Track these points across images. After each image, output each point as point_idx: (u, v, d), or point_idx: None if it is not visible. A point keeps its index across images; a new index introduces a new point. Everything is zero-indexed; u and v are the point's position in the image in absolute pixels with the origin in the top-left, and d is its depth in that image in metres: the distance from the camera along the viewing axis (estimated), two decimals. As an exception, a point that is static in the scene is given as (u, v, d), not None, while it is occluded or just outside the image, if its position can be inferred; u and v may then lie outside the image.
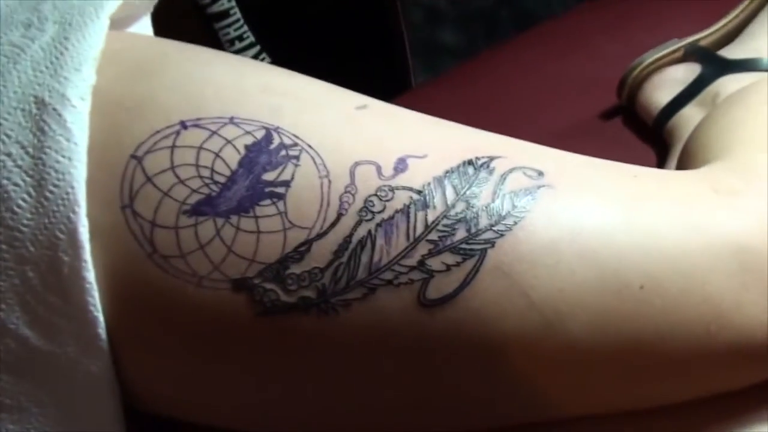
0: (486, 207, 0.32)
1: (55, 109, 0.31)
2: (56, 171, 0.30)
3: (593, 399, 0.33)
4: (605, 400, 0.34)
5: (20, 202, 0.30)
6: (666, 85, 0.66)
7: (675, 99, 0.64)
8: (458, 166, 0.33)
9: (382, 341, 0.31)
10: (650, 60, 0.68)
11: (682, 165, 0.47)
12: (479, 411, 0.33)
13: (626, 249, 0.32)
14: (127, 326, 0.31)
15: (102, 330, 0.31)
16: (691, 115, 0.61)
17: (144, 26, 0.42)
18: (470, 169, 0.33)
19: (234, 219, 0.31)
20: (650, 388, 0.33)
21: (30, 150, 0.30)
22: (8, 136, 0.30)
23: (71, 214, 0.30)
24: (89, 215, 0.30)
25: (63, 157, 0.30)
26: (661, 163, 0.65)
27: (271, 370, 0.32)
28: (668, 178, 0.36)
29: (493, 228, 0.31)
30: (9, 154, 0.30)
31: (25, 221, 0.30)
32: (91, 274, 0.30)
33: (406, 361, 0.31)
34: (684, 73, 0.66)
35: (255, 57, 1.13)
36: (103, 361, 0.31)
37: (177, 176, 0.31)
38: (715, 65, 0.63)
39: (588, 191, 0.33)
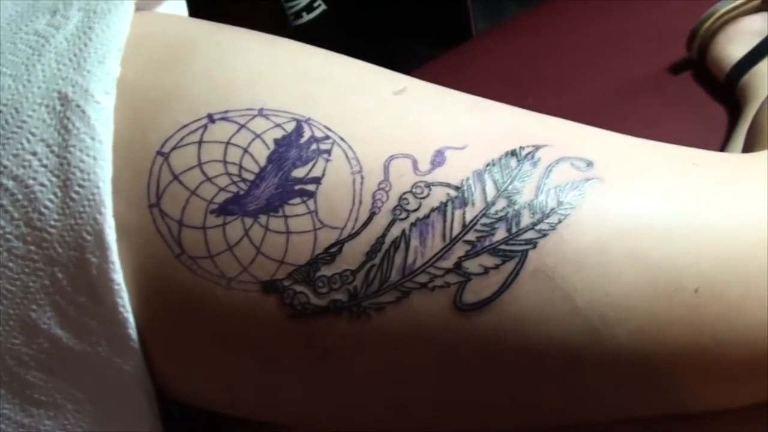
0: (529, 204, 0.30)
1: (78, 106, 0.30)
2: (81, 171, 0.29)
3: (637, 405, 0.32)
4: (649, 406, 0.32)
5: (47, 202, 0.29)
6: (741, 37, 0.62)
7: (750, 53, 0.60)
8: (500, 158, 0.31)
9: (416, 346, 0.30)
10: (725, 9, 0.63)
11: (751, 138, 0.43)
12: (516, 414, 0.32)
13: (681, 249, 0.30)
14: (158, 326, 0.31)
15: (132, 330, 0.30)
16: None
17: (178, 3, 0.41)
18: (513, 161, 0.31)
19: (263, 219, 0.29)
20: (700, 393, 0.31)
21: (55, 149, 0.30)
22: (33, 134, 0.30)
23: (98, 216, 0.29)
24: (116, 214, 0.30)
25: (88, 156, 0.29)
26: (732, 123, 0.61)
27: (303, 371, 0.31)
28: (732, 166, 0.33)
29: (536, 227, 0.29)
30: (34, 153, 0.29)
31: (52, 222, 0.29)
32: (119, 276, 0.30)
33: (442, 365, 0.30)
34: (762, 24, 0.61)
35: (311, 4, 1.11)
36: (135, 360, 0.31)
37: (204, 174, 0.30)
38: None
39: (641, 184, 0.31)
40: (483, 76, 0.77)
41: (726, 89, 0.62)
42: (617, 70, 0.67)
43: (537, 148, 0.31)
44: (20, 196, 0.29)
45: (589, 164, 0.31)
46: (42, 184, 0.29)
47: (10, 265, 0.29)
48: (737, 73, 0.60)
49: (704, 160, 0.33)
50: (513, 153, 0.31)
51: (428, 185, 0.30)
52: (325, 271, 0.29)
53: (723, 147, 0.59)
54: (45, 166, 0.30)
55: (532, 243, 0.29)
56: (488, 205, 0.30)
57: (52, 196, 0.29)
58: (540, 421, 0.33)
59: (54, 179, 0.29)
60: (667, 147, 0.34)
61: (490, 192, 0.30)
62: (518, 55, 0.78)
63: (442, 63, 0.83)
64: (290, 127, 0.31)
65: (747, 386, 0.31)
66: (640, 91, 0.66)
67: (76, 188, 0.29)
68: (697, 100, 0.64)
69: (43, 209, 0.29)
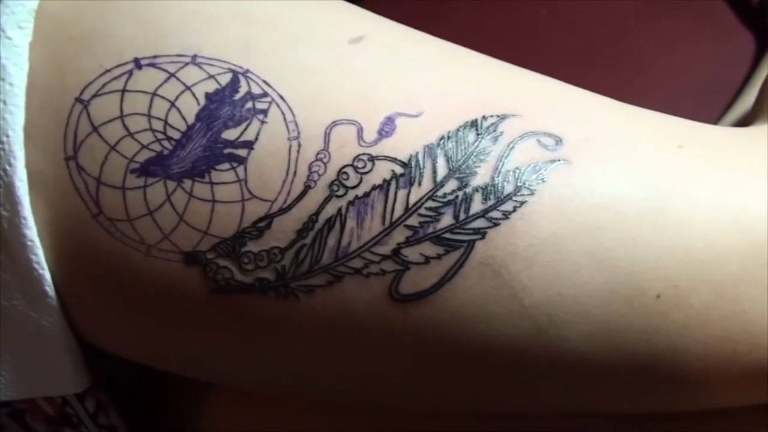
0: (482, 187, 0.27)
1: None
2: None
3: (587, 405, 0.30)
4: (600, 407, 0.30)
5: None
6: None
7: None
8: (457, 130, 0.27)
9: (347, 332, 0.27)
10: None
11: (761, 100, 0.39)
12: (452, 404, 0.30)
13: (647, 249, 0.27)
14: (75, 285, 0.29)
15: (49, 287, 0.28)
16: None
17: None
18: (471, 135, 0.27)
19: (187, 184, 0.27)
20: (654, 399, 0.29)
21: None
22: None
23: (7, 166, 0.27)
24: (30, 164, 0.27)
25: None
26: (759, 55, 0.56)
27: (227, 344, 0.29)
28: (724, 150, 0.30)
29: (487, 215, 0.27)
30: None
31: None
32: (32, 231, 0.27)
33: (373, 354, 0.28)
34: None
35: None
36: (53, 316, 0.29)
37: (126, 128, 0.27)
38: None
39: (613, 168, 0.28)
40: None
41: (757, 15, 0.57)
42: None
43: (502, 119, 0.28)
44: None
45: (558, 142, 0.28)
46: None
47: None
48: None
49: (692, 142, 0.29)
50: (473, 124, 0.27)
51: (372, 159, 0.27)
52: (252, 246, 0.27)
53: (745, 82, 0.55)
54: None
55: (481, 233, 0.26)
56: (436, 187, 0.27)
57: None
58: (482, 411, 0.31)
59: None
60: (654, 120, 0.30)
61: (441, 171, 0.27)
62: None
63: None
64: (225, 79, 0.27)
65: (704, 394, 0.29)
66: (661, 7, 0.60)
67: None
68: (724, 24, 0.59)
69: None
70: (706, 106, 0.53)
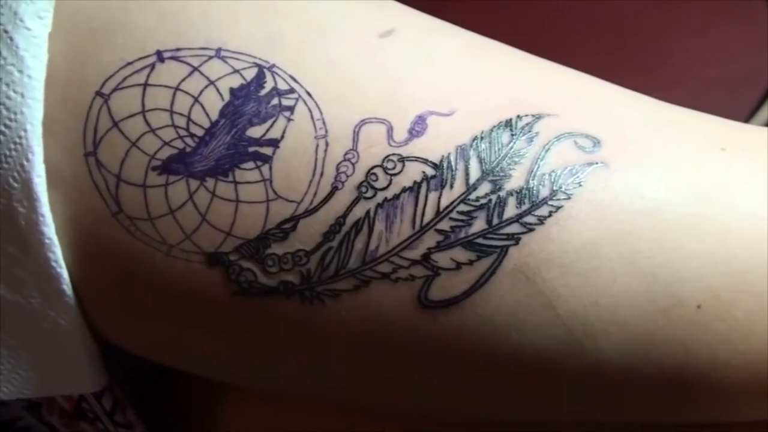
0: (517, 191, 0.26)
1: (6, 32, 0.26)
2: (7, 109, 0.26)
3: (622, 415, 0.29)
4: (636, 417, 0.29)
5: None
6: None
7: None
8: (491, 130, 0.26)
9: (373, 338, 0.27)
10: None
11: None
12: (475, 411, 0.30)
13: (689, 257, 0.26)
14: (94, 284, 0.28)
15: (67, 286, 0.28)
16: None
17: None
18: (505, 135, 0.26)
19: (210, 183, 0.26)
20: (693, 411, 0.28)
21: None
22: None
23: (24, 162, 0.26)
24: (48, 160, 0.26)
25: (15, 92, 0.26)
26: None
27: (248, 347, 0.28)
28: (766, 151, 0.28)
29: (521, 220, 0.25)
30: None
31: None
32: (49, 229, 0.27)
33: (398, 361, 0.27)
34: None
35: None
36: (70, 315, 0.28)
37: (148, 123, 0.26)
38: None
39: (654, 173, 0.26)
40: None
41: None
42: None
43: (537, 118, 0.27)
44: None
45: (596, 143, 0.26)
46: None
47: None
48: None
49: (734, 144, 0.28)
50: (507, 124, 0.26)
51: (402, 159, 0.26)
52: (276, 248, 0.26)
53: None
54: None
55: (515, 238, 0.25)
56: (469, 190, 0.26)
57: None
58: (502, 419, 0.30)
59: None
60: (695, 120, 0.29)
61: (474, 173, 0.26)
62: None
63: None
64: (250, 74, 0.26)
65: (740, 408, 0.28)
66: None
67: (2, 128, 0.26)
68: (757, 12, 0.57)
69: None
70: (738, 100, 0.52)
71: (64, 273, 0.27)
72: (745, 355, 0.26)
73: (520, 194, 0.26)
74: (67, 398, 0.35)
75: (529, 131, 0.26)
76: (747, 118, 0.50)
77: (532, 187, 0.26)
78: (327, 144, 0.26)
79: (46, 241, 0.27)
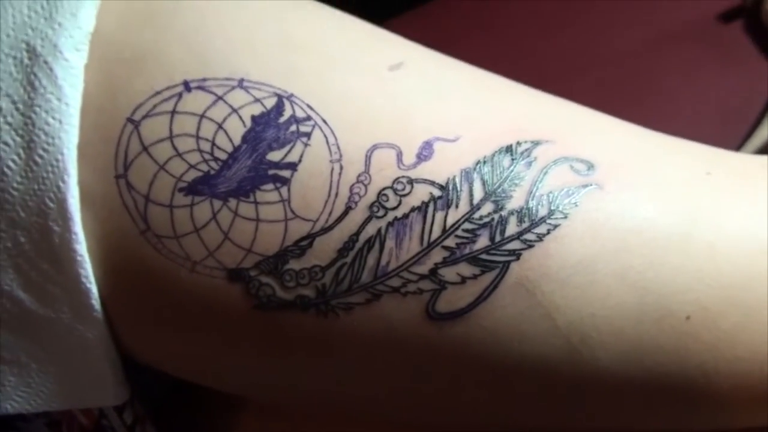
0: (517, 210, 0.28)
1: (46, 62, 0.28)
2: (46, 134, 0.28)
3: (618, 423, 0.30)
4: (622, 423, 0.31)
5: (10, 163, 0.28)
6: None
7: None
8: (493, 155, 0.28)
9: (384, 349, 0.28)
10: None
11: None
12: (481, 419, 0.31)
13: (677, 271, 0.28)
14: (121, 299, 0.30)
15: (96, 301, 0.29)
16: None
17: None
18: (506, 159, 0.28)
19: (232, 203, 0.28)
20: (686, 418, 0.30)
21: (20, 106, 0.28)
22: None
23: (60, 183, 0.28)
24: (82, 182, 0.28)
25: (53, 119, 0.28)
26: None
27: (266, 360, 0.30)
28: (749, 176, 0.30)
29: (522, 237, 0.27)
30: None
31: (15, 184, 0.28)
32: (81, 246, 0.28)
33: (408, 370, 0.29)
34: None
35: None
36: (97, 329, 0.30)
37: (175, 148, 0.28)
38: None
39: (644, 194, 0.28)
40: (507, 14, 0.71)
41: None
42: (661, 15, 0.62)
43: (535, 144, 0.29)
44: None
45: (591, 167, 0.29)
46: (5, 143, 0.28)
47: None
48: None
49: (719, 168, 0.30)
50: (508, 149, 0.28)
51: (411, 182, 0.28)
52: (294, 264, 0.28)
53: (764, 112, 0.56)
54: (9, 124, 0.28)
55: (516, 254, 0.27)
56: (473, 209, 0.28)
57: (15, 157, 0.28)
58: (508, 427, 0.32)
59: (18, 139, 0.28)
60: (682, 146, 0.31)
61: (477, 194, 0.28)
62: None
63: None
64: (270, 103, 0.28)
65: (729, 413, 0.30)
66: (685, 38, 0.61)
67: (40, 152, 0.28)
68: (746, 54, 0.60)
69: (5, 169, 0.28)
70: (724, 135, 0.54)
71: (94, 288, 0.29)
72: (732, 363, 0.28)
73: (521, 213, 0.27)
74: (87, 416, 0.36)
75: (528, 156, 0.28)
76: (735, 150, 0.52)
77: (532, 207, 0.27)
78: (341, 167, 0.28)
79: (78, 258, 0.28)
